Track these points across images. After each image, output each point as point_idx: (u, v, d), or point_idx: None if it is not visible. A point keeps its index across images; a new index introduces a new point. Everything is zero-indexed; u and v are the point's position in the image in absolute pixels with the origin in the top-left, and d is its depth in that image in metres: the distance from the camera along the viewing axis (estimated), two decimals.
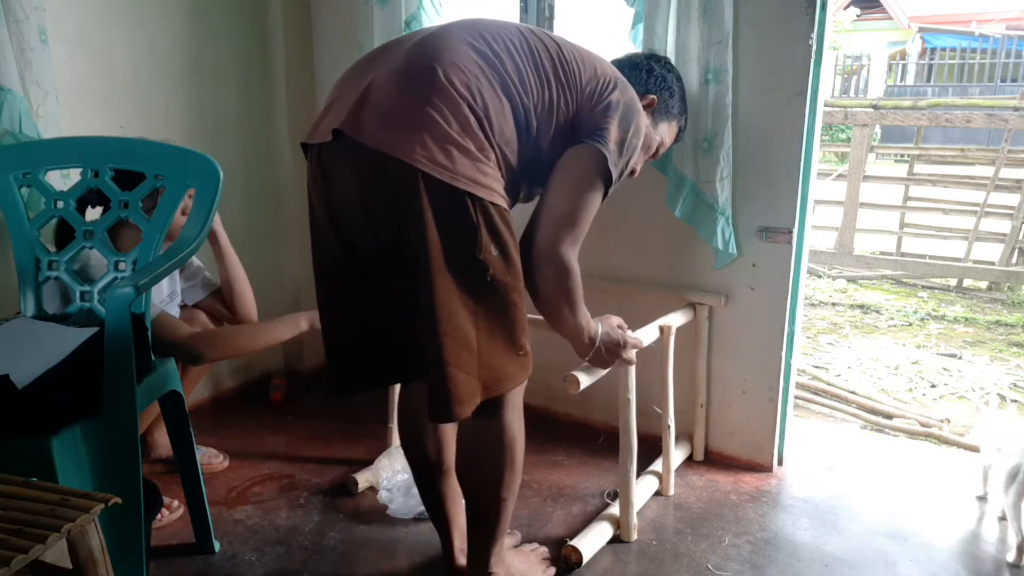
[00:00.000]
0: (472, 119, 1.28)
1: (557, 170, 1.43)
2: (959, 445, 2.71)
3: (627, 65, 1.70)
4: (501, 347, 1.37)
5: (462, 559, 1.71)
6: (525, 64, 1.36)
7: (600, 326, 1.60)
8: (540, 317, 1.53)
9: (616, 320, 1.68)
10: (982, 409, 2.33)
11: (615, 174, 1.43)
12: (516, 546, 1.84)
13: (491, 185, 1.30)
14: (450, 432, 1.66)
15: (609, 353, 1.62)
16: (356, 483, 2.13)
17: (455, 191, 1.25)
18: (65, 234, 1.80)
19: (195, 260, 2.12)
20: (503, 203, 1.33)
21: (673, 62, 2.07)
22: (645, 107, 1.61)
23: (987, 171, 6.13)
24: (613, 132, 1.41)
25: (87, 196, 1.79)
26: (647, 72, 1.71)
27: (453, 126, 1.26)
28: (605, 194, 1.45)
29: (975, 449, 2.42)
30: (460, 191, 1.26)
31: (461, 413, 1.35)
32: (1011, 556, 1.85)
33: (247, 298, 2.10)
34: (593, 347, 1.59)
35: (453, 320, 1.31)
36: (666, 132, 1.77)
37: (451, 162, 1.25)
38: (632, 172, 1.60)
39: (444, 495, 1.68)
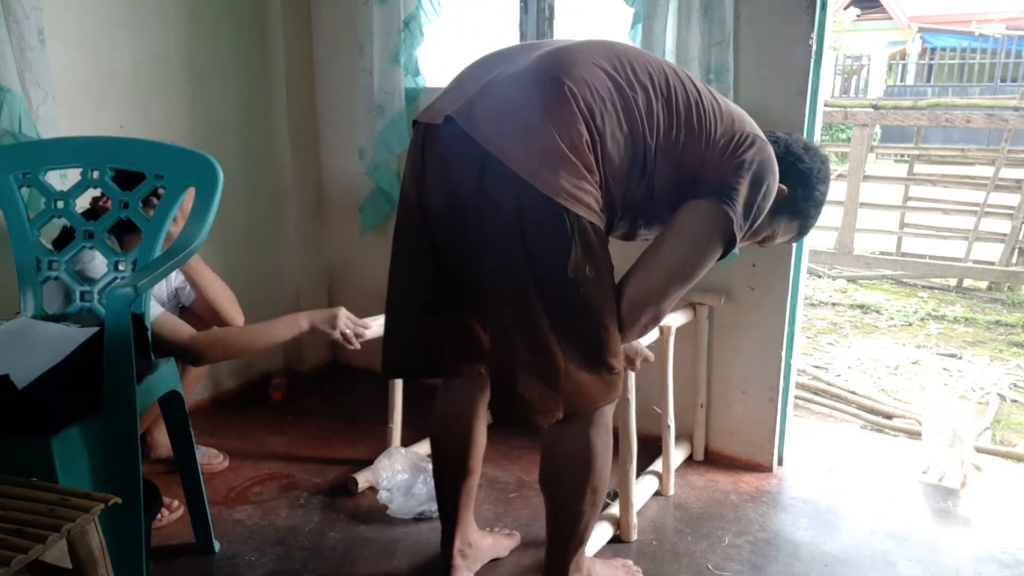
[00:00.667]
0: (586, 137, 1.24)
1: (678, 221, 1.36)
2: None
3: (777, 144, 1.49)
4: (587, 366, 1.34)
5: (459, 560, 1.71)
6: (658, 101, 1.30)
7: None
8: None
9: None
10: (925, 387, 2.41)
11: (739, 237, 1.35)
12: (515, 547, 1.85)
13: (591, 204, 1.26)
14: (481, 435, 1.67)
15: (626, 360, 1.64)
16: (356, 483, 2.13)
17: (552, 203, 1.22)
18: (68, 235, 1.80)
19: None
20: (601, 224, 1.30)
21: (673, 62, 2.06)
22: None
23: (987, 171, 6.13)
24: (743, 193, 1.33)
25: (101, 207, 1.79)
26: (796, 160, 1.51)
27: (564, 140, 1.23)
28: (724, 254, 1.39)
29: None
30: (557, 205, 1.23)
31: (542, 422, 1.35)
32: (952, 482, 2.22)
33: (227, 308, 2.06)
34: None
35: (534, 333, 1.30)
36: (783, 228, 1.57)
37: (554, 175, 1.22)
38: (767, 238, 1.57)
39: (460, 495, 1.68)
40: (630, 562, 1.79)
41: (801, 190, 1.53)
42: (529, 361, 1.31)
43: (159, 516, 1.92)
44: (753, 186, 1.34)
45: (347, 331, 1.90)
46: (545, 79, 1.26)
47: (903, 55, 16.46)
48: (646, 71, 1.32)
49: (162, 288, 2.03)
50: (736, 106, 1.44)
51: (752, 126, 1.40)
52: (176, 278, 2.10)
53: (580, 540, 1.55)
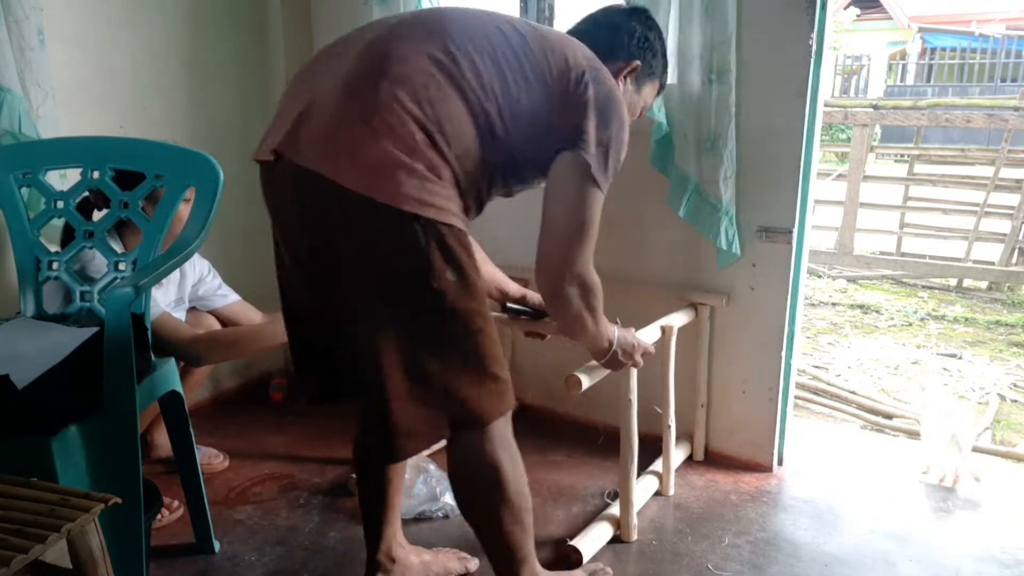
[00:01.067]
0: (420, 136, 1.19)
1: (548, 187, 1.35)
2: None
3: (606, 29, 1.56)
4: (469, 378, 1.31)
5: (387, 561, 1.64)
6: (487, 65, 1.26)
7: (616, 329, 1.59)
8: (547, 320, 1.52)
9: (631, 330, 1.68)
10: (925, 387, 2.41)
11: (601, 180, 1.34)
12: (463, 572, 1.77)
13: (443, 205, 1.22)
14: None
15: (624, 355, 1.61)
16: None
17: (401, 214, 1.18)
18: (71, 234, 1.80)
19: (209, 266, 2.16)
20: (459, 223, 1.25)
21: (675, 63, 2.06)
22: (628, 72, 1.53)
23: (987, 171, 6.13)
24: (592, 134, 1.31)
25: (92, 201, 1.79)
26: (628, 35, 1.55)
27: (399, 146, 1.18)
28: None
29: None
30: (406, 214, 1.18)
31: (422, 446, 1.32)
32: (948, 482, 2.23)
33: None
34: (610, 350, 1.58)
35: (400, 355, 1.25)
36: (648, 93, 1.63)
37: (395, 184, 1.17)
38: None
39: (383, 510, 1.62)
40: (600, 565, 1.76)
41: (648, 54, 1.57)
42: (404, 385, 1.26)
43: (159, 516, 1.92)
44: (601, 122, 1.33)
45: None
46: (363, 86, 1.21)
47: (903, 55, 16.47)
48: (469, 38, 1.27)
49: (169, 292, 2.02)
50: (568, 39, 1.39)
51: (585, 58, 1.36)
52: (199, 287, 2.11)
53: (520, 559, 1.48)
